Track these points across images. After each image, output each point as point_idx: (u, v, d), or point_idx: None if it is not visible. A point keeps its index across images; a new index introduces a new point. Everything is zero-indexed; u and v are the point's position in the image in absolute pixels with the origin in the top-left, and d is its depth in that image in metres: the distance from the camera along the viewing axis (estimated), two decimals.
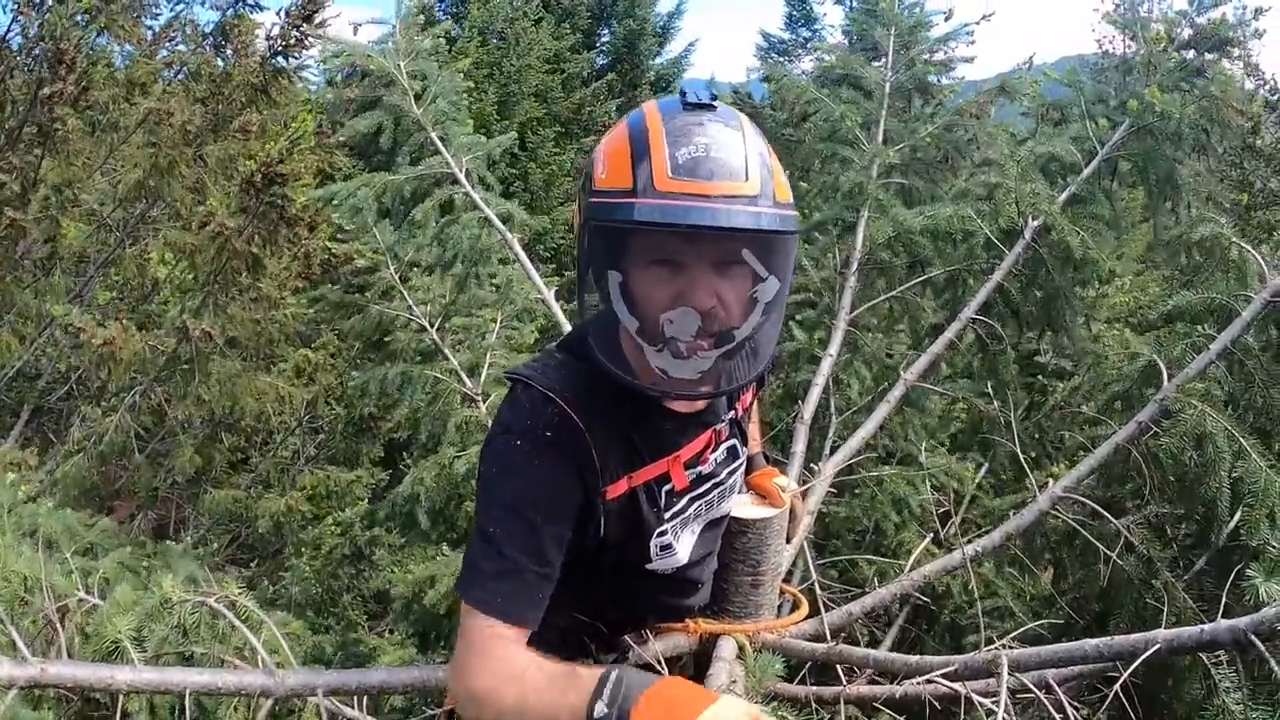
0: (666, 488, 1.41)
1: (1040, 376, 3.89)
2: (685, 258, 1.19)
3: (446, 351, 3.61)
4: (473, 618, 1.26)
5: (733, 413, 1.52)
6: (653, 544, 1.44)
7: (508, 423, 1.31)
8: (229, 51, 4.44)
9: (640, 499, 1.38)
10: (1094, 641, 1.63)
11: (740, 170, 1.17)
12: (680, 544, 1.49)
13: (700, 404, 1.42)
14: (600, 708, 1.12)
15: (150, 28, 5.42)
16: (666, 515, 1.43)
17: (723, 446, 1.51)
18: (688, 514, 1.48)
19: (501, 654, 1.23)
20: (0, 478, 2.86)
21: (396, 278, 3.68)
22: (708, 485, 1.49)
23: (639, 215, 1.15)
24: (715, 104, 1.23)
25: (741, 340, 1.24)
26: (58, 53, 3.97)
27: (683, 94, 1.23)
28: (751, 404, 1.66)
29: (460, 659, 1.27)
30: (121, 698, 1.71)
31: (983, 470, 3.12)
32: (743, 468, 1.61)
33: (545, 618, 1.33)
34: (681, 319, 1.19)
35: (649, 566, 1.47)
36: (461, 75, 3.66)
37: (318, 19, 4.47)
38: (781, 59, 18.16)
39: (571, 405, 1.28)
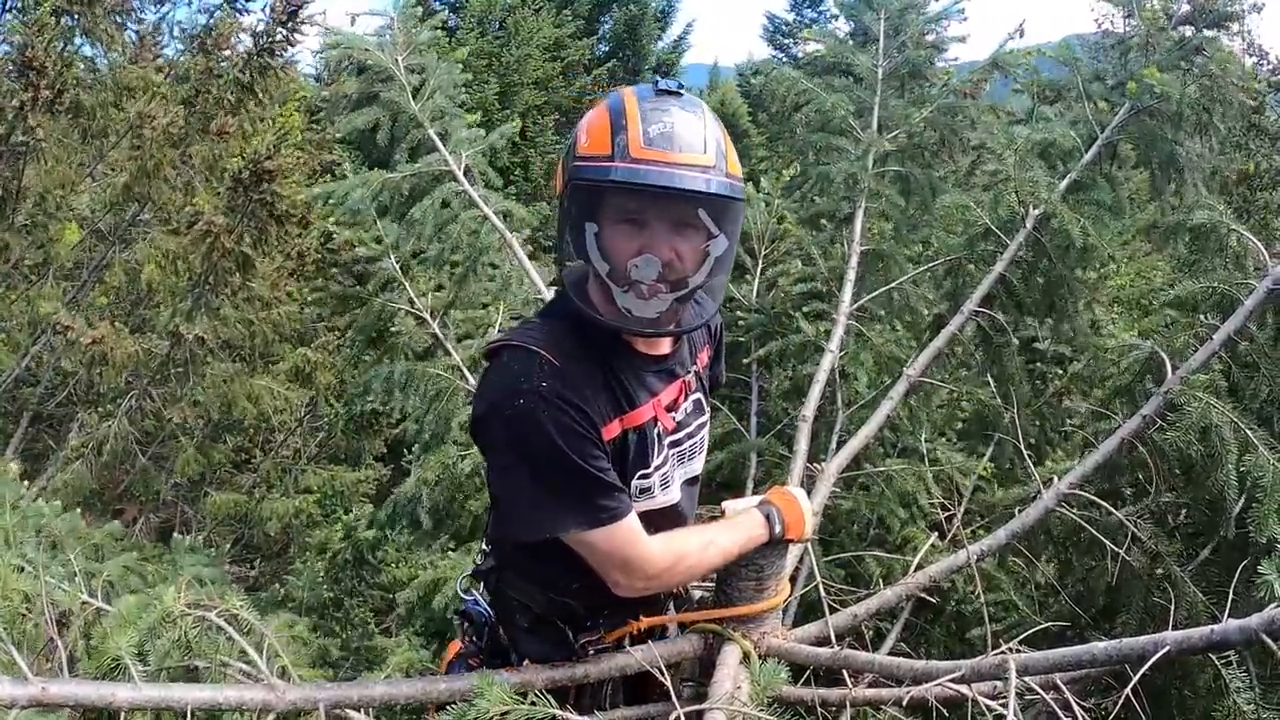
0: (656, 430, 1.58)
1: (1040, 363, 3.84)
2: (651, 215, 1.41)
3: (449, 345, 3.56)
4: (595, 537, 1.43)
5: (695, 365, 1.71)
6: (634, 484, 1.56)
7: (504, 389, 1.43)
8: (215, 51, 4.39)
9: (630, 442, 1.53)
10: (1102, 644, 1.61)
11: (700, 145, 1.40)
12: (664, 491, 1.62)
13: (666, 348, 1.61)
14: (775, 517, 1.62)
15: (136, 32, 5.36)
16: (654, 459, 1.58)
17: (691, 398, 1.68)
18: (668, 465, 1.63)
19: (642, 539, 1.47)
20: (3, 474, 2.85)
21: (398, 268, 3.63)
22: (682, 434, 1.66)
23: (615, 176, 1.38)
24: (681, 92, 1.47)
25: (694, 288, 1.47)
26: (26, 60, 3.91)
27: (655, 82, 1.47)
28: (710, 364, 1.82)
29: (621, 569, 1.47)
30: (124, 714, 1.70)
31: (985, 459, 3.09)
32: (708, 425, 1.77)
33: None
34: (645, 265, 1.41)
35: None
36: (461, 66, 3.56)
37: (301, 15, 4.42)
38: (787, 40, 18.05)
39: (552, 353, 1.44)
